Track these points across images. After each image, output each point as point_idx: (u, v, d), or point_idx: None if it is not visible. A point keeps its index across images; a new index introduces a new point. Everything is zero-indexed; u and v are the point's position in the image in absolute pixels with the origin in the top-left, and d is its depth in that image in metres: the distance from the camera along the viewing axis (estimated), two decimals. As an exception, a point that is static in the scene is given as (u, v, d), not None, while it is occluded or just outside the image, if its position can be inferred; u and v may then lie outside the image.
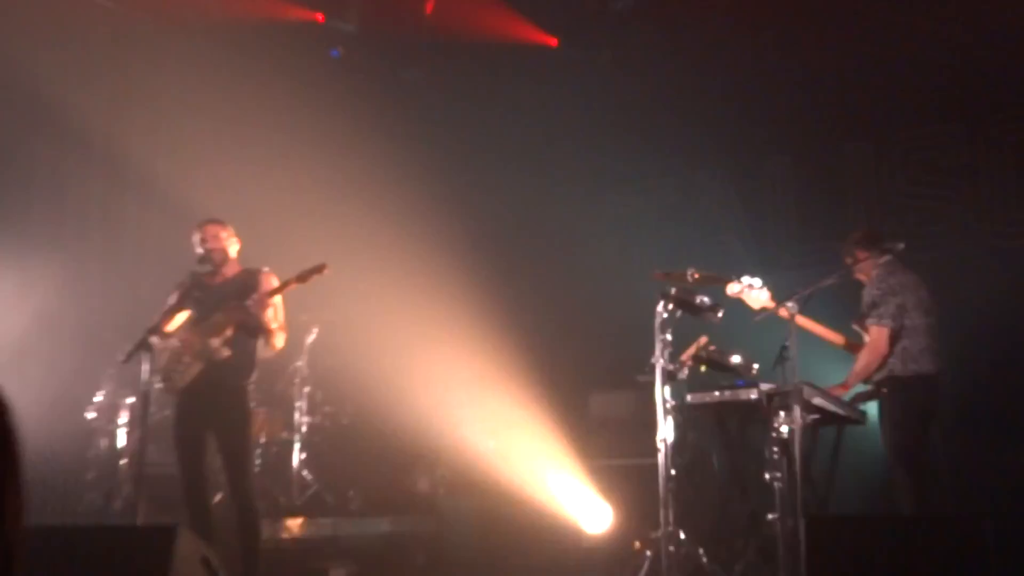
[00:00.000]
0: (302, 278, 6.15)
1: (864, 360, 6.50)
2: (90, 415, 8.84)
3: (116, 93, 10.03)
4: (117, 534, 5.03)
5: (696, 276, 6.69)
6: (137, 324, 6.37)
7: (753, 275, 6.80)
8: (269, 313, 6.20)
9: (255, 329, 6.21)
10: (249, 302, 6.11)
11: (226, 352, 6.15)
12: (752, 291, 6.73)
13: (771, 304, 6.58)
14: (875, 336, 6.45)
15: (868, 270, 6.63)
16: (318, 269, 6.16)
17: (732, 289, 6.79)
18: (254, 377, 6.38)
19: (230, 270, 6.45)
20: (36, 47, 9.41)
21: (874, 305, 6.46)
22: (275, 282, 6.29)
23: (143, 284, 9.98)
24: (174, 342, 6.29)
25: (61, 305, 9.36)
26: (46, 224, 9.40)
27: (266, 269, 6.38)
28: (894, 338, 6.43)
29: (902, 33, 8.49)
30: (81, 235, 9.64)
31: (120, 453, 8.54)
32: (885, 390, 6.48)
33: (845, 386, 6.58)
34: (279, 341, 6.32)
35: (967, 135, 8.42)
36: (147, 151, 10.12)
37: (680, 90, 9.56)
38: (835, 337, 6.87)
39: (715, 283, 6.80)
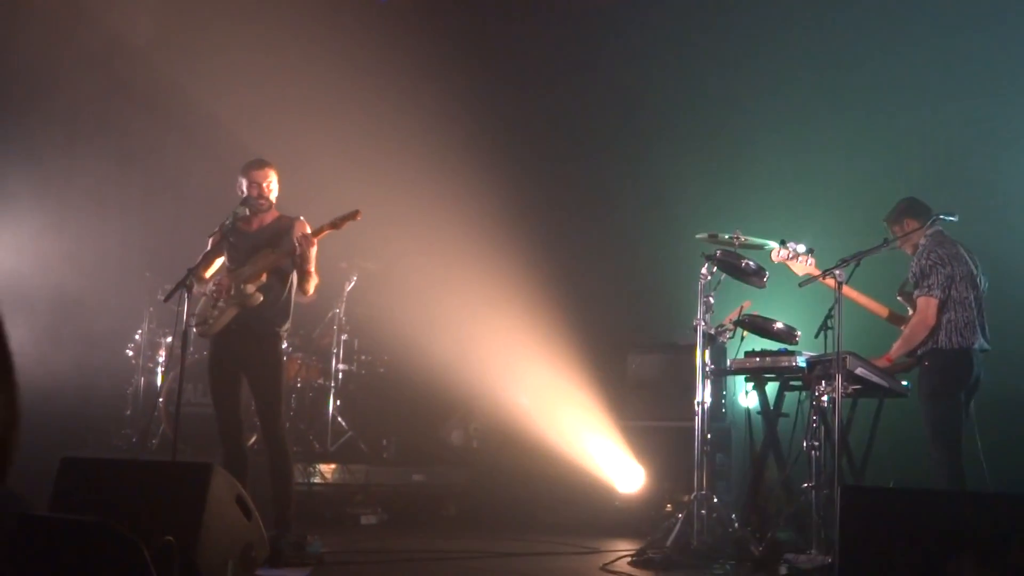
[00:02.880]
0: (336, 224, 6.11)
1: (910, 331, 6.38)
2: (129, 352, 8.91)
3: (161, 32, 10.00)
4: (155, 469, 5.07)
5: (741, 239, 6.61)
6: (178, 263, 6.39)
7: (799, 242, 6.69)
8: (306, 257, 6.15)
9: (286, 274, 6.19)
10: (291, 245, 6.08)
11: (259, 298, 6.15)
12: (798, 258, 6.63)
13: (816, 272, 6.47)
14: (923, 307, 6.31)
15: (916, 240, 6.49)
16: (352, 215, 6.11)
17: (777, 255, 6.70)
18: (288, 324, 6.38)
19: (268, 216, 6.41)
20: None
21: (923, 275, 6.32)
22: (309, 231, 6.23)
23: (185, 223, 10.03)
24: (210, 287, 6.30)
25: (103, 243, 9.42)
26: (89, 162, 9.43)
27: (301, 218, 6.34)
28: (940, 310, 6.30)
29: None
30: (124, 174, 9.67)
31: (157, 391, 8.62)
32: (927, 363, 6.36)
33: (888, 357, 6.47)
34: (311, 287, 6.30)
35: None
36: (191, 91, 10.11)
37: (736, 48, 9.41)
38: (879, 308, 6.76)
39: (760, 248, 6.71)
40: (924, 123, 8.72)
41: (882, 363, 6.41)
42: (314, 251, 6.17)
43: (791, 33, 9.26)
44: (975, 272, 6.41)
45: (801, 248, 6.64)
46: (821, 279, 6.29)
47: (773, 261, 6.70)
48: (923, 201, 6.59)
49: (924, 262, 6.33)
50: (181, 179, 10.15)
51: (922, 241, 6.45)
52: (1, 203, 9.15)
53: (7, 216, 9.06)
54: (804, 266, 6.61)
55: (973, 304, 6.31)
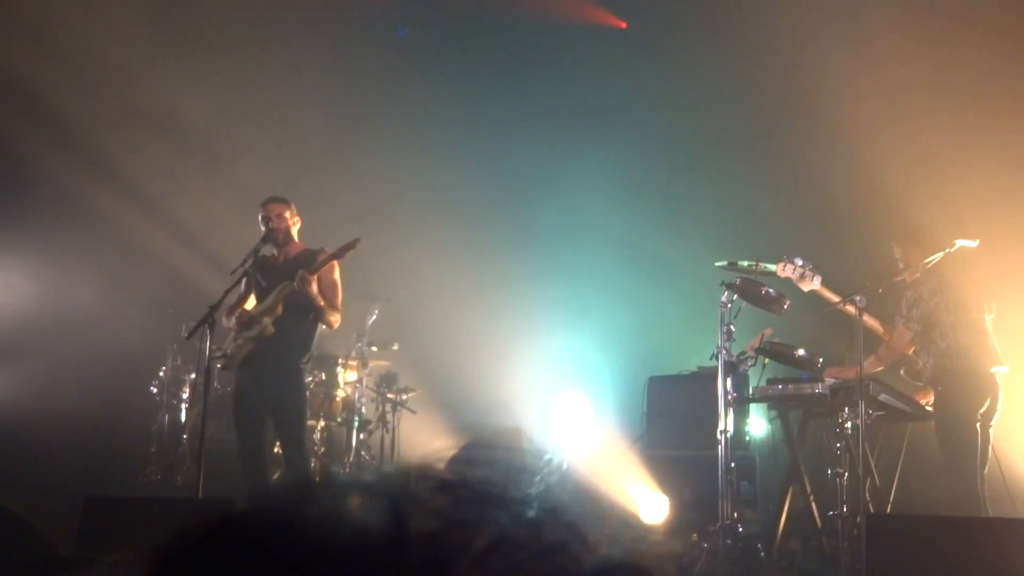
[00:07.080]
0: (336, 255, 6.19)
1: (884, 353, 6.43)
2: (154, 390, 8.96)
3: (180, 64, 10.10)
4: (177, 506, 5.09)
5: (760, 267, 6.57)
6: (202, 300, 6.44)
7: (805, 260, 6.56)
8: (315, 290, 6.18)
9: (306, 307, 6.23)
10: (295, 281, 6.12)
11: (272, 329, 6.17)
12: (804, 273, 6.50)
13: (823, 290, 6.41)
14: (897, 336, 6.36)
15: (916, 267, 6.44)
16: (352, 244, 6.18)
17: (783, 271, 6.59)
18: (307, 356, 6.40)
19: (292, 250, 6.47)
20: (99, 12, 9.49)
21: (908, 306, 6.35)
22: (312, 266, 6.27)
23: (208, 259, 10.09)
24: (233, 321, 6.34)
25: (128, 279, 9.49)
26: (112, 199, 9.50)
27: (325, 248, 6.39)
28: (941, 336, 6.30)
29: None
30: (147, 209, 9.75)
31: (182, 428, 8.65)
32: (939, 388, 6.36)
33: (857, 370, 6.31)
34: (334, 319, 6.33)
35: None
36: (213, 124, 10.19)
37: (754, 75, 9.43)
38: (879, 327, 6.65)
39: (773, 275, 6.65)
40: (944, 150, 8.68)
41: (850, 374, 6.26)
42: (330, 290, 6.21)
43: (808, 61, 9.26)
44: (978, 296, 6.38)
45: (809, 264, 6.54)
46: (842, 306, 6.26)
47: (779, 276, 6.61)
48: (924, 229, 6.59)
49: (911, 294, 6.35)
50: (204, 213, 10.21)
51: (920, 270, 6.41)
52: (28, 243, 9.24)
53: (32, 256, 9.15)
54: (810, 283, 6.51)
55: (973, 328, 6.30)
